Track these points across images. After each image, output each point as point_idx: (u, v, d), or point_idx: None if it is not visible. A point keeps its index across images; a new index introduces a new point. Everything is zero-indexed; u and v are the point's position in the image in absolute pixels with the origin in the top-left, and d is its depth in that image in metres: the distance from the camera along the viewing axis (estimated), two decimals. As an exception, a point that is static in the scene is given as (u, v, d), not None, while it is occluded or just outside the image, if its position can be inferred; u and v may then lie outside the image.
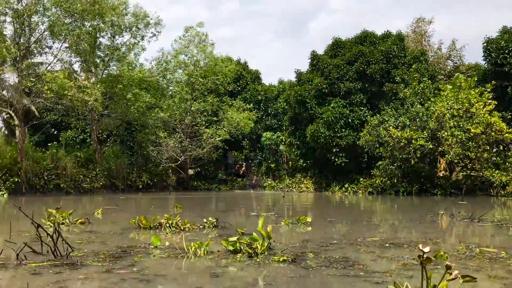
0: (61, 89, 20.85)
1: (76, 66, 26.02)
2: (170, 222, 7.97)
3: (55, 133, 33.64)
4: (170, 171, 31.39)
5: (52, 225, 6.77)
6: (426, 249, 3.40)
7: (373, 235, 7.79)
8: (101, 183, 26.24)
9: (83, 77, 24.88)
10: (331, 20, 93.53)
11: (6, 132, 30.60)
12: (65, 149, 28.87)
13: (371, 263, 5.27)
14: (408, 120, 22.53)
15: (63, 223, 8.74)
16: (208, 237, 7.30)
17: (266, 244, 5.69)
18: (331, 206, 17.76)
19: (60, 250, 5.51)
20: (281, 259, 5.31)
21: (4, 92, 23.21)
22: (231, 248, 5.68)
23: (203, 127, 27.85)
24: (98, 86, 22.91)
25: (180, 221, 8.05)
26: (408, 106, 23.35)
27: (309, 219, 9.51)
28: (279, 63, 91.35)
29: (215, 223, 8.39)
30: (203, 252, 5.65)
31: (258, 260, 5.36)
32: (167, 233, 7.59)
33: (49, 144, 29.64)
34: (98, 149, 27.26)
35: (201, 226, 8.33)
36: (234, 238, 5.72)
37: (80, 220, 9.04)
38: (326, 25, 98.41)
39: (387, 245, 6.59)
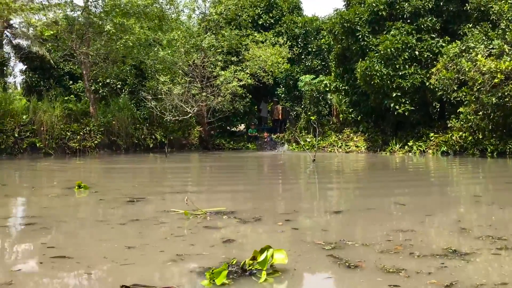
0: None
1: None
2: None
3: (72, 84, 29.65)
4: (198, 126, 25.76)
5: None
6: None
7: None
8: (96, 142, 21.14)
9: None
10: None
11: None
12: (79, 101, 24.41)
13: None
14: (507, 46, 14.97)
15: None
16: None
17: None
18: (375, 182, 11.11)
19: None
20: None
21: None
22: None
23: (218, 69, 21.36)
24: (57, 7, 17.00)
25: None
26: (507, 24, 15.61)
27: (281, 260, 3.33)
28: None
29: None
30: None
31: None
32: None
33: (65, 98, 25.48)
34: (92, 100, 21.93)
35: None
36: None
37: None
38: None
39: None
